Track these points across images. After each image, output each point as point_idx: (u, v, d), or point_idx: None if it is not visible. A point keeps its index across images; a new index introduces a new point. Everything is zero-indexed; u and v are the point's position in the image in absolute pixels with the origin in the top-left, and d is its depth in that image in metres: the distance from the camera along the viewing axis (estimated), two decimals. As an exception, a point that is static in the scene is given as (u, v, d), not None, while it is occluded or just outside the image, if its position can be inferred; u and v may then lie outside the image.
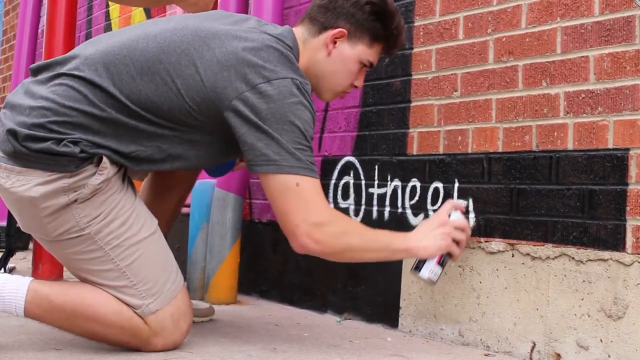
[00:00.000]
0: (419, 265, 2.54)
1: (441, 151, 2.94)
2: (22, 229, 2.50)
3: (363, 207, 3.24)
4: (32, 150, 2.27)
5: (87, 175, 2.31)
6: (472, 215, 2.75)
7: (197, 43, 2.39)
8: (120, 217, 2.38)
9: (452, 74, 2.91)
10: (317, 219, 2.38)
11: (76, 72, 2.35)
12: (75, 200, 2.32)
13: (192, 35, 2.40)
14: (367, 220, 3.20)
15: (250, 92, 2.33)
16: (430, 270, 2.53)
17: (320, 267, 3.40)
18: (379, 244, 2.52)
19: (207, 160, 2.56)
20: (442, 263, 2.54)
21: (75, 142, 2.29)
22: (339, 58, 2.58)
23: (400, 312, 3.05)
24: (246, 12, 3.67)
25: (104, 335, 2.40)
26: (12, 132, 2.28)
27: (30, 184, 2.29)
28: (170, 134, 2.40)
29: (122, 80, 2.35)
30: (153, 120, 2.37)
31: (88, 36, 6.29)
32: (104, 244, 2.36)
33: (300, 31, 2.60)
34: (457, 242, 2.54)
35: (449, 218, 2.55)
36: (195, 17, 2.58)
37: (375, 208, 3.19)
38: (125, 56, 2.38)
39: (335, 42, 2.56)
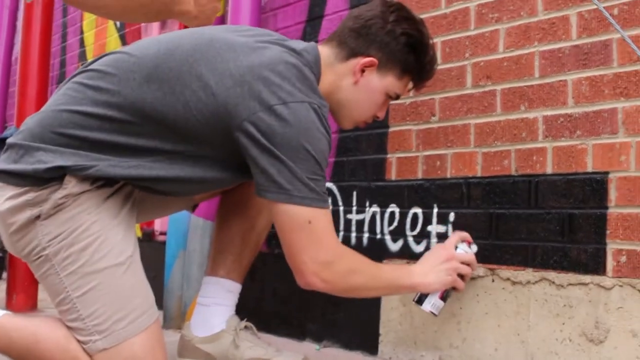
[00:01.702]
0: (421, 298, 2.54)
1: (420, 176, 2.93)
2: (6, 248, 2.37)
3: (342, 233, 3.22)
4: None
5: (52, 190, 2.17)
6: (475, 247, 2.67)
7: (211, 54, 2.23)
8: (83, 241, 2.19)
9: (430, 99, 2.90)
10: (326, 258, 2.29)
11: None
12: (39, 216, 2.18)
13: (206, 45, 2.24)
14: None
15: (264, 113, 2.16)
16: (432, 304, 2.53)
17: (298, 294, 3.36)
18: (385, 281, 2.47)
19: (217, 180, 2.38)
20: (444, 297, 2.54)
21: None
22: (365, 87, 2.44)
23: (380, 339, 3.02)
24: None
25: None
26: None
27: (2, 198, 2.21)
28: (172, 149, 2.24)
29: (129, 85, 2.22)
30: (155, 134, 2.22)
31: (62, 63, 6.26)
32: (60, 269, 2.19)
33: (326, 52, 2.43)
34: (461, 276, 2.53)
35: (455, 251, 2.54)
36: (213, 28, 2.43)
37: (353, 234, 3.17)
38: (134, 63, 2.25)
39: (363, 71, 2.42)
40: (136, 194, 2.35)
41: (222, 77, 2.19)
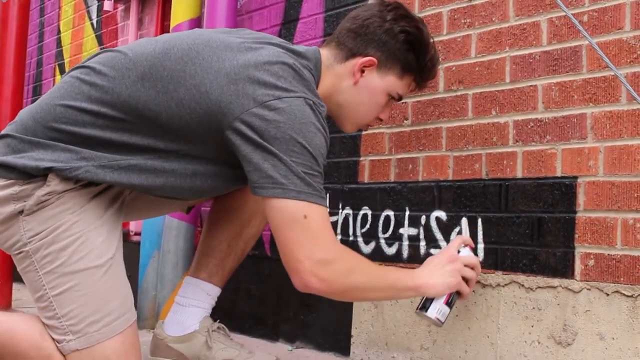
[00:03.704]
0: (425, 305, 2.38)
1: (392, 179, 2.95)
2: None
3: (315, 235, 3.23)
4: None
5: (36, 186, 2.14)
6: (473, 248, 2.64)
7: (207, 53, 2.17)
8: (63, 241, 2.15)
9: (402, 103, 2.92)
10: (323, 256, 2.14)
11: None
12: (22, 211, 2.14)
13: (203, 45, 2.19)
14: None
15: (257, 108, 2.08)
16: (438, 310, 2.36)
17: (272, 295, 3.39)
18: (386, 282, 2.31)
19: (209, 186, 2.31)
20: (450, 303, 2.38)
21: None
22: (365, 88, 2.37)
23: (352, 340, 3.04)
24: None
25: None
26: None
27: None
28: (165, 147, 2.19)
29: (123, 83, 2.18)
30: (148, 132, 2.17)
31: (39, 63, 6.24)
32: (39, 267, 2.16)
33: (325, 54, 2.38)
34: (466, 280, 2.38)
35: (458, 254, 2.39)
36: (212, 30, 2.37)
37: (326, 236, 3.18)
38: (129, 61, 2.20)
39: (363, 71, 2.36)
40: (126, 194, 2.33)
41: (217, 75, 2.13)
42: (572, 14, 2.36)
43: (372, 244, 2.98)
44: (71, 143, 2.16)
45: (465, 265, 2.37)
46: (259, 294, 3.49)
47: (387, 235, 2.93)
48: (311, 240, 2.14)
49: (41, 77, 6.16)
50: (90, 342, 2.16)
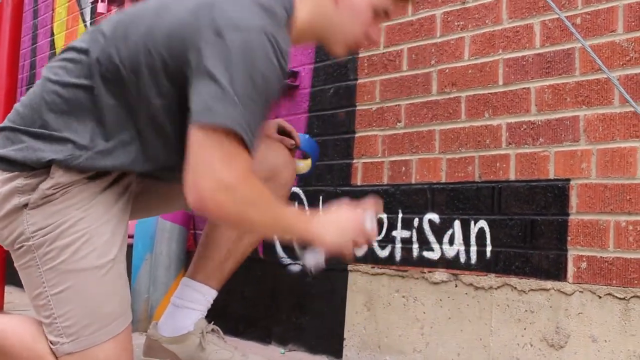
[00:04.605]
0: (306, 247, 2.21)
1: (385, 182, 2.95)
2: None
3: (308, 237, 3.23)
4: None
5: (40, 179, 2.08)
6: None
7: (170, 2, 2.10)
8: (67, 238, 2.08)
9: (396, 105, 2.92)
10: (229, 179, 1.98)
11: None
12: (26, 205, 2.08)
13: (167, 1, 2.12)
14: (312, 251, 3.20)
15: (213, 35, 1.96)
16: (315, 262, 2.22)
17: (265, 298, 3.38)
18: (280, 224, 2.15)
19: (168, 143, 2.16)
20: (330, 257, 2.22)
21: None
22: (348, 7, 2.20)
23: (345, 343, 3.03)
24: None
25: None
26: None
27: None
28: (134, 96, 2.09)
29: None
30: (120, 92, 2.08)
31: (33, 65, 6.23)
32: (41, 262, 2.10)
33: None
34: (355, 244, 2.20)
35: (365, 220, 2.20)
36: None
37: (319, 238, 3.18)
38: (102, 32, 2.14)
39: None
40: (133, 188, 2.27)
41: (177, 12, 2.05)
42: (565, 16, 2.36)
43: (365, 247, 2.97)
44: (65, 130, 2.12)
45: (364, 235, 2.19)
46: (251, 297, 3.48)
47: (379, 237, 2.93)
48: (223, 162, 1.98)
49: (35, 79, 6.15)
50: (83, 345, 2.12)
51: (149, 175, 2.26)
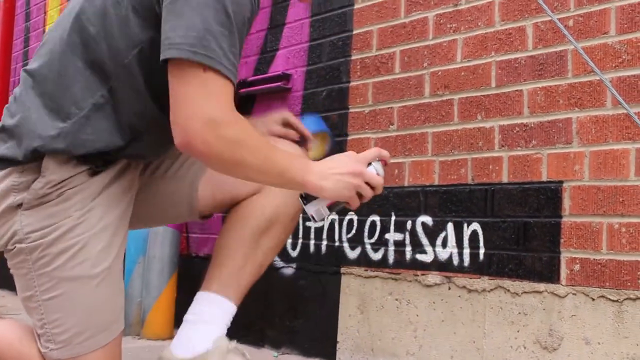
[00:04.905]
0: (308, 197, 2.11)
1: (378, 184, 2.94)
2: None
3: (300, 240, 3.23)
4: None
5: (32, 177, 2.01)
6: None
7: None
8: (62, 244, 2.01)
9: (388, 108, 2.92)
10: (215, 115, 1.90)
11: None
12: (21, 205, 2.01)
13: None
14: (305, 254, 3.19)
15: None
16: (317, 209, 2.11)
17: (258, 301, 3.37)
18: (275, 167, 2.03)
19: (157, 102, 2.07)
20: (332, 207, 2.11)
21: None
22: None
23: (338, 346, 3.03)
24: None
25: None
26: None
27: None
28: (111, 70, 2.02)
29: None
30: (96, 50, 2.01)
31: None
32: (34, 267, 2.04)
33: None
34: (360, 196, 2.09)
35: (367, 168, 2.09)
36: None
37: (312, 241, 3.18)
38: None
39: None
40: (133, 192, 2.19)
41: None
42: (557, 18, 2.36)
43: (358, 250, 2.97)
44: (42, 107, 2.06)
45: (367, 182, 2.08)
46: (245, 300, 3.46)
47: (372, 240, 2.92)
48: (207, 97, 1.90)
49: (27, 83, 6.13)
50: (72, 354, 2.08)
51: (140, 158, 2.15)
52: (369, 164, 2.10)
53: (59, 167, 2.02)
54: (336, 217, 3.08)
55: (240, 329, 3.48)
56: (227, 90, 1.93)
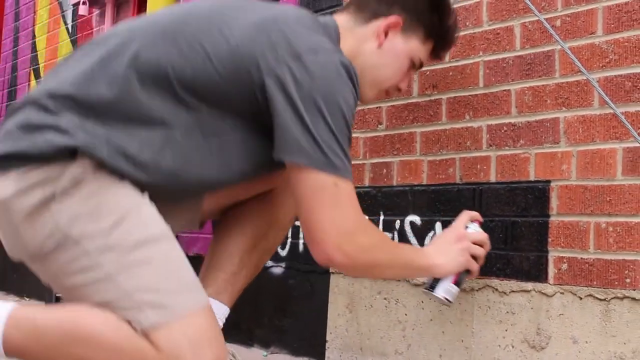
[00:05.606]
0: (433, 284, 2.29)
1: (366, 184, 2.95)
2: (7, 252, 1.98)
3: (289, 240, 3.23)
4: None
5: (64, 165, 1.84)
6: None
7: (231, 10, 2.02)
8: (114, 214, 1.86)
9: (377, 107, 2.92)
10: (349, 227, 1.96)
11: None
12: (53, 196, 1.83)
13: (222, 7, 2.04)
14: (294, 254, 3.19)
15: (292, 61, 1.90)
16: (445, 289, 2.28)
17: (247, 300, 3.37)
18: (403, 261, 2.18)
19: (239, 156, 2.03)
20: (458, 282, 2.29)
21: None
22: (390, 51, 2.20)
23: (327, 345, 3.03)
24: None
25: None
26: None
27: (3, 183, 1.87)
28: (185, 114, 1.93)
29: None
30: (167, 95, 1.91)
31: (14, 67, 6.20)
32: (91, 248, 1.84)
33: (343, 18, 2.21)
34: (475, 258, 2.28)
35: (466, 230, 2.30)
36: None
37: (301, 241, 3.18)
38: (145, 29, 2.00)
39: (387, 33, 2.19)
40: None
41: (245, 27, 1.95)
42: (544, 18, 2.37)
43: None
44: (85, 117, 1.90)
45: (474, 243, 2.28)
46: (234, 299, 3.48)
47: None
48: (339, 209, 1.95)
49: (16, 82, 6.12)
50: (179, 314, 1.85)
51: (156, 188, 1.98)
52: (466, 227, 2.30)
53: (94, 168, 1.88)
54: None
55: (230, 328, 3.48)
56: (354, 195, 1.99)
